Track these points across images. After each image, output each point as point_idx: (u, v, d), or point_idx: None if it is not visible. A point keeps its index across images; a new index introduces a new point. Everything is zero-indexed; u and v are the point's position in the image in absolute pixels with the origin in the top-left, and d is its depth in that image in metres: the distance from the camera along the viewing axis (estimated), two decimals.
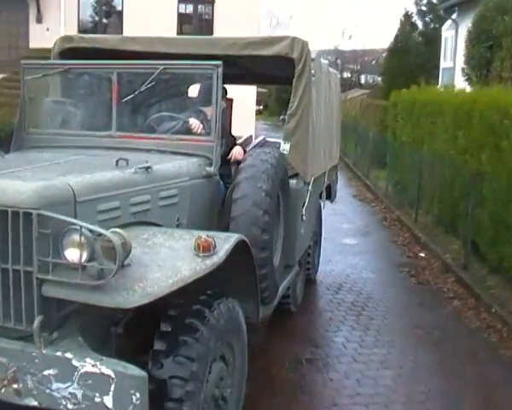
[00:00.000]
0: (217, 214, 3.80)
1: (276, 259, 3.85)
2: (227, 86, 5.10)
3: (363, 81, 44.77)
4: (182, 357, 2.41)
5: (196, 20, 18.06)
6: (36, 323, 2.29)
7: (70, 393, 2.24)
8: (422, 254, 7.42)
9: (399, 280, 6.45)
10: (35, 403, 2.30)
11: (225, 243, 2.62)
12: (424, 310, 5.53)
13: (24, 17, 16.24)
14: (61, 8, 16.06)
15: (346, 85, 39.10)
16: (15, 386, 2.31)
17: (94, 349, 2.38)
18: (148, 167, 2.99)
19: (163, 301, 2.41)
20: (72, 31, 16.34)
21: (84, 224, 2.26)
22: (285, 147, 4.20)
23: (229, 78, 5.78)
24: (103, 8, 17.34)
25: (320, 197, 5.76)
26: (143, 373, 2.21)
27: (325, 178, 5.70)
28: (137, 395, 2.18)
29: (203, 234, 2.56)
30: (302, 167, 4.31)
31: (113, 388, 2.19)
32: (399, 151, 10.23)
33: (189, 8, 17.82)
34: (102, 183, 2.68)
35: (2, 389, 2.32)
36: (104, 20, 17.54)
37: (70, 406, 2.24)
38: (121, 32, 17.05)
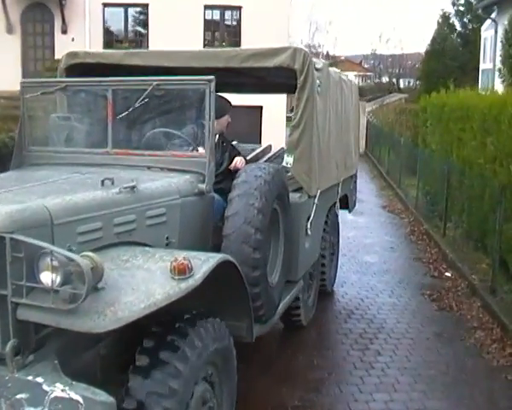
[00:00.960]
0: (214, 231, 3.80)
1: (274, 276, 3.85)
2: (236, 95, 5.16)
3: (402, 85, 44.31)
4: (161, 373, 2.46)
5: (223, 27, 18.28)
6: (8, 346, 2.34)
7: None
8: (448, 274, 7.02)
9: (419, 305, 6.01)
10: None
11: (204, 264, 2.63)
12: (441, 343, 5.05)
13: (49, 28, 16.84)
14: (86, 19, 16.58)
15: (385, 90, 38.77)
16: None
17: (76, 371, 2.43)
18: (133, 187, 3.02)
19: (148, 320, 2.45)
20: (98, 41, 16.82)
21: (54, 248, 2.31)
22: (288, 160, 4.22)
23: (237, 87, 5.87)
24: (128, 17, 17.73)
25: (333, 208, 5.74)
26: (111, 399, 2.23)
27: (339, 188, 5.69)
28: None
29: (180, 256, 2.57)
30: (306, 181, 4.31)
31: None
32: (429, 159, 9.98)
33: (216, 15, 18.06)
34: (82, 204, 2.72)
35: None
36: (129, 30, 17.94)
37: None
38: (147, 41, 17.47)
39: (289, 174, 4.20)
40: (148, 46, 17.27)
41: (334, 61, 55.28)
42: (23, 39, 16.83)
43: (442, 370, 4.51)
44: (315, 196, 4.53)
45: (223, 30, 18.33)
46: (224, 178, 4.24)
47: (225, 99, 4.54)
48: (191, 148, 3.79)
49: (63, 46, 16.23)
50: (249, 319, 3.28)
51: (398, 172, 13.30)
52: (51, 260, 2.29)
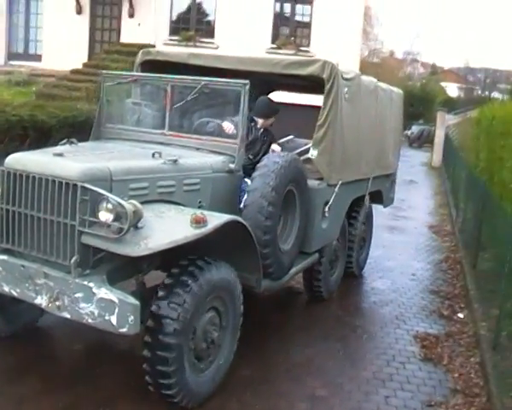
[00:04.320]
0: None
1: (287, 243, 5.21)
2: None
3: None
4: (173, 303, 3.80)
5: (294, 22, 19.33)
6: (73, 260, 3.78)
7: (90, 311, 3.65)
8: (461, 316, 6.43)
9: (402, 351, 5.44)
10: (68, 316, 3.76)
11: (216, 220, 4.00)
12: (399, 407, 4.43)
13: (117, 12, 18.84)
14: (153, 4, 18.22)
15: (475, 103, 38.64)
16: (57, 303, 3.79)
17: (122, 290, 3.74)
18: (175, 160, 4.49)
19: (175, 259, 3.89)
20: (164, 27, 18.35)
21: (109, 195, 3.72)
22: (313, 153, 5.61)
23: (280, 87, 7.35)
24: (196, 6, 19.03)
25: (363, 200, 7.08)
26: (137, 302, 3.57)
27: (369, 183, 6.99)
28: (132, 317, 3.55)
29: (199, 211, 3.97)
30: (326, 171, 5.68)
31: (116, 310, 3.56)
32: (473, 179, 9.51)
33: (287, 9, 19.01)
34: (135, 168, 4.18)
35: (50, 304, 3.83)
36: (196, 18, 19.21)
37: (90, 320, 3.66)
38: (213, 31, 18.90)
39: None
40: (213, 36, 18.59)
41: (433, 70, 55.25)
42: (91, 21, 18.92)
43: None
44: (335, 185, 5.85)
45: (293, 25, 19.47)
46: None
47: (275, 104, 5.95)
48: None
49: (129, 30, 18.14)
50: (258, 272, 4.65)
51: (457, 189, 13.43)
52: (107, 203, 3.70)
